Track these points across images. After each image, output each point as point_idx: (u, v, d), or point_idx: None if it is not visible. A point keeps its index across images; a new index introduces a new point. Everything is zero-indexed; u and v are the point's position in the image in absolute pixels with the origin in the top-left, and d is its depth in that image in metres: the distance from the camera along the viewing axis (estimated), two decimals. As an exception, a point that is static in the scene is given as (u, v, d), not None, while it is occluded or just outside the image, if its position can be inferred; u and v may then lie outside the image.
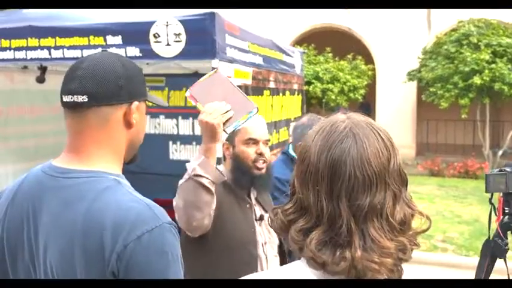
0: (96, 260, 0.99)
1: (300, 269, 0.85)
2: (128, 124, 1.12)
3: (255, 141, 2.02)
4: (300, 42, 13.29)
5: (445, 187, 9.69)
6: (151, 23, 3.03)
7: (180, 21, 2.97)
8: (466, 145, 13.26)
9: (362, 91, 12.30)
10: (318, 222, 0.84)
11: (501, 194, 1.89)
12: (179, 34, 2.96)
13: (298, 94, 5.44)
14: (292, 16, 13.12)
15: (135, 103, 1.12)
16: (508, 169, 1.85)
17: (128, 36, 3.11)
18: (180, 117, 5.55)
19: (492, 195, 1.91)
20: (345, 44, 12.99)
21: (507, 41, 10.24)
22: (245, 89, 3.58)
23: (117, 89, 1.08)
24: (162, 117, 5.55)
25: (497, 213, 1.92)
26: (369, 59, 13.16)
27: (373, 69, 12.95)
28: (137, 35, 3.09)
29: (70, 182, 1.06)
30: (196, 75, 5.10)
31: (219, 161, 2.05)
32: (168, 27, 2.98)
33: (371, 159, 0.83)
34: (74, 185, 1.05)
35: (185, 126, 5.54)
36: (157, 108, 5.61)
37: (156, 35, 3.01)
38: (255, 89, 3.86)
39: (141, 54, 3.08)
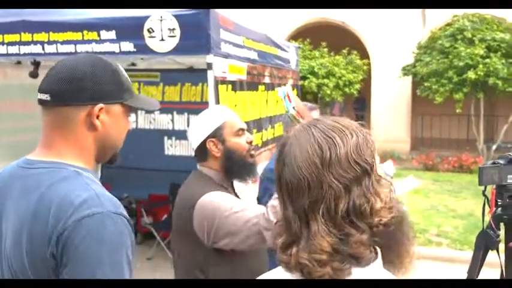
0: (40, 243, 1.01)
1: (280, 271, 0.93)
2: (91, 126, 1.11)
3: (243, 131, 1.96)
4: (295, 37, 13.27)
5: (439, 181, 9.72)
6: (145, 18, 3.01)
7: (175, 16, 2.96)
8: (460, 140, 13.31)
9: (357, 86, 12.30)
10: (284, 228, 0.92)
11: (494, 186, 1.90)
12: (173, 29, 2.95)
13: (293, 89, 5.42)
14: (287, 11, 13.08)
15: (99, 105, 1.11)
16: (501, 161, 1.86)
17: (122, 31, 3.10)
18: (175, 112, 5.53)
19: (485, 188, 1.92)
20: (340, 39, 12.98)
21: (501, 35, 10.27)
22: (240, 84, 3.57)
23: (78, 90, 1.09)
24: (157, 112, 5.52)
25: (490, 205, 1.93)
26: (364, 54, 13.16)
27: (368, 64, 12.96)
28: (131, 30, 3.07)
29: (32, 172, 1.10)
30: (192, 71, 5.08)
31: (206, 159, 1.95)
32: (162, 22, 2.96)
33: (301, 165, 0.87)
34: (34, 175, 1.09)
35: (180, 121, 5.52)
36: (152, 103, 5.60)
37: (151, 29, 2.99)
38: (250, 84, 3.85)
39: (135, 50, 3.07)
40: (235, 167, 1.91)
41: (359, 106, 15.18)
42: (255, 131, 3.93)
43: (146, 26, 3.00)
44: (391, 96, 13.24)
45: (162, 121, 5.59)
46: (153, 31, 2.99)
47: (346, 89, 12.01)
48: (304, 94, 11.39)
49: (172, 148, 5.57)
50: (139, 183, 5.29)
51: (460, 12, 11.05)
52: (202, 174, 1.92)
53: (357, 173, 0.86)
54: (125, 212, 1.07)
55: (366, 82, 13.04)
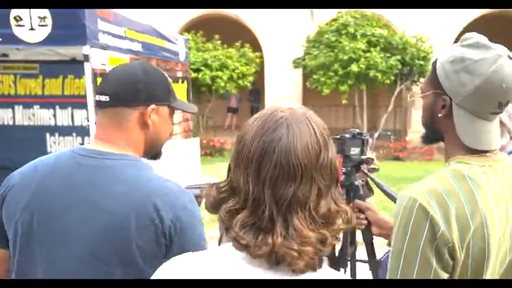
0: (145, 225, 1.15)
1: (228, 250, 0.88)
2: (144, 124, 1.26)
3: None
4: (188, 29, 13.15)
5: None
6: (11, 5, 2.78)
7: (45, 3, 2.77)
8: (347, 129, 13.35)
9: (251, 78, 12.55)
10: (244, 205, 0.86)
11: (340, 156, 2.14)
12: (44, 18, 2.76)
13: (182, 82, 5.38)
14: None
15: (152, 106, 1.25)
16: (347, 135, 2.13)
17: (-15, 18, 2.83)
18: (57, 107, 5.17)
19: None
20: (233, 32, 13.12)
21: (380, 31, 11.11)
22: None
23: (134, 92, 1.24)
24: (36, 107, 5.12)
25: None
26: (256, 47, 13.44)
27: (261, 57, 13.26)
28: (-4, 17, 2.82)
29: (107, 163, 1.21)
30: (75, 62, 4.80)
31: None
32: (31, 10, 2.76)
33: (299, 151, 0.84)
34: (111, 166, 1.21)
35: (63, 117, 5.17)
36: (30, 97, 5.19)
37: (18, 18, 2.77)
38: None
39: (0, 39, 2.82)
40: None
41: (254, 98, 15.50)
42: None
43: (13, 13, 2.77)
44: (283, 88, 13.70)
45: (43, 116, 5.20)
46: (21, 19, 2.77)
47: (240, 81, 12.20)
48: (198, 86, 11.36)
49: (56, 145, 5.20)
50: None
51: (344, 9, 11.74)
52: None
53: (334, 180, 0.89)
54: None
55: (259, 74, 13.35)
